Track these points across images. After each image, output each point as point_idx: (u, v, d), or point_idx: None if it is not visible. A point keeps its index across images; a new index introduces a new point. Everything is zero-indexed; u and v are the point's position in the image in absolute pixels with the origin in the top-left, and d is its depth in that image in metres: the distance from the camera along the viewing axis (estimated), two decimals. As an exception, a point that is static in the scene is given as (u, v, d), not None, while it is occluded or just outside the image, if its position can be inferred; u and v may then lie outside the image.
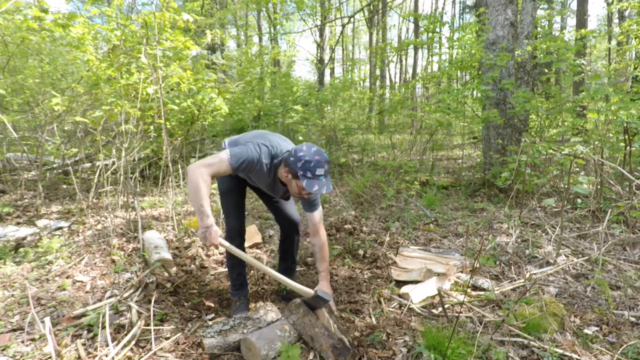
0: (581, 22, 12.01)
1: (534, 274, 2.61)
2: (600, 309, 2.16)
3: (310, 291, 1.94)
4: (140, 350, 1.78)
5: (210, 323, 2.05)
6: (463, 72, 7.91)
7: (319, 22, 14.61)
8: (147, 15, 3.53)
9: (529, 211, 3.99)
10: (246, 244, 2.73)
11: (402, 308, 2.18)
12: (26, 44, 4.42)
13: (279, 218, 2.40)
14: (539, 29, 8.96)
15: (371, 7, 15.02)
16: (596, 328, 1.99)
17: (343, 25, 12.21)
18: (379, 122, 10.92)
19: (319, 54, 15.18)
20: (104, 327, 1.83)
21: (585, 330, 1.96)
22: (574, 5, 17.93)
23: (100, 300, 2.17)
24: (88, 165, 5.00)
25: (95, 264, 2.68)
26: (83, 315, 2.00)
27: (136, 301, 2.18)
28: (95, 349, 1.75)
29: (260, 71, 8.27)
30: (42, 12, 3.23)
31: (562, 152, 3.49)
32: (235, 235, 2.20)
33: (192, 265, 2.78)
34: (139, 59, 3.50)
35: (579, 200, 3.96)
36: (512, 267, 2.76)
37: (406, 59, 23.34)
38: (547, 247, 3.06)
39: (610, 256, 2.84)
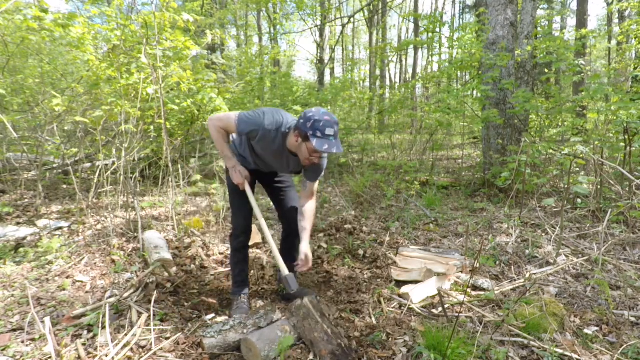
0: (581, 22, 12.02)
1: (534, 274, 2.61)
2: (600, 309, 2.16)
3: (285, 271, 1.96)
4: (140, 350, 1.78)
5: (210, 323, 2.05)
6: (463, 72, 7.92)
7: (319, 22, 14.59)
8: (147, 15, 3.53)
9: (529, 211, 3.99)
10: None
11: (402, 308, 2.18)
12: (26, 44, 4.42)
13: (283, 212, 2.35)
14: (539, 29, 8.95)
15: (371, 7, 15.01)
16: (596, 328, 1.99)
17: (343, 25, 12.22)
18: (379, 122, 10.90)
19: (319, 54, 15.16)
20: (104, 327, 1.83)
21: (585, 330, 1.96)
22: (574, 5, 17.95)
23: (100, 300, 2.17)
24: (88, 165, 5.00)
25: (95, 264, 2.68)
26: (83, 315, 2.00)
27: (136, 301, 2.18)
28: (95, 349, 1.75)
29: (260, 71, 8.25)
30: (42, 12, 3.23)
31: (562, 152, 3.50)
32: (241, 233, 2.21)
33: (192, 265, 2.78)
34: (139, 59, 3.50)
35: (579, 200, 3.96)
36: (512, 267, 2.76)
37: (406, 59, 23.34)
38: (547, 247, 3.06)
39: (610, 256, 2.84)
